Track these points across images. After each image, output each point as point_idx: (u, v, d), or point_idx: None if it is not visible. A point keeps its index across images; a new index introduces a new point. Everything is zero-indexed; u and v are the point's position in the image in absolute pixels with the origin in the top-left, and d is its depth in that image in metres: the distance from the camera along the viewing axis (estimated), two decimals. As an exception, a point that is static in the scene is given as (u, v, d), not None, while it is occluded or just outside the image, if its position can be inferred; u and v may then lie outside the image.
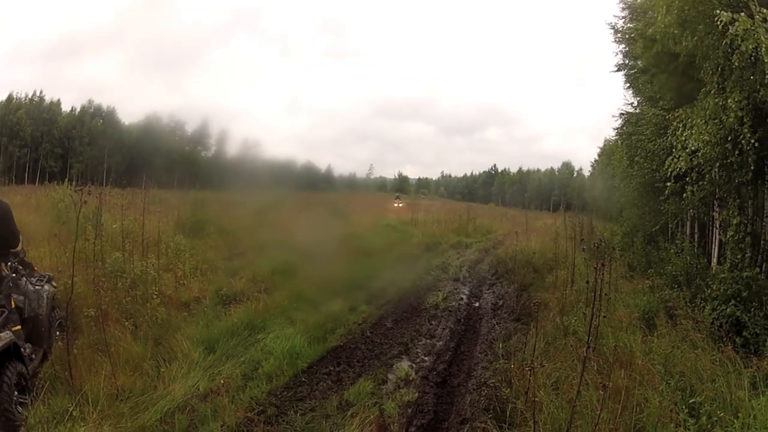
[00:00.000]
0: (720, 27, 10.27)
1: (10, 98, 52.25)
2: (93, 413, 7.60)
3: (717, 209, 14.61)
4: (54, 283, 9.84)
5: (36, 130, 52.01)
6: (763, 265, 12.19)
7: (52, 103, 53.70)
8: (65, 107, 54.66)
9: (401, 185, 77.69)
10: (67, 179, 23.29)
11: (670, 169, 12.87)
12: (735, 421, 7.22)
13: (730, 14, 10.07)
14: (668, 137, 14.17)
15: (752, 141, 10.92)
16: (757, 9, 10.36)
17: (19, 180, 49.20)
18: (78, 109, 54.60)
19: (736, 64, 10.46)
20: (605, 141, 45.83)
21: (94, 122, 52.96)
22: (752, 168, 11.44)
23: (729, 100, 11.05)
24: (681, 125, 12.80)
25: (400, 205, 42.04)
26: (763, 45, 9.83)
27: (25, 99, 52.59)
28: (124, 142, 50.09)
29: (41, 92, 53.25)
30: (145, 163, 39.19)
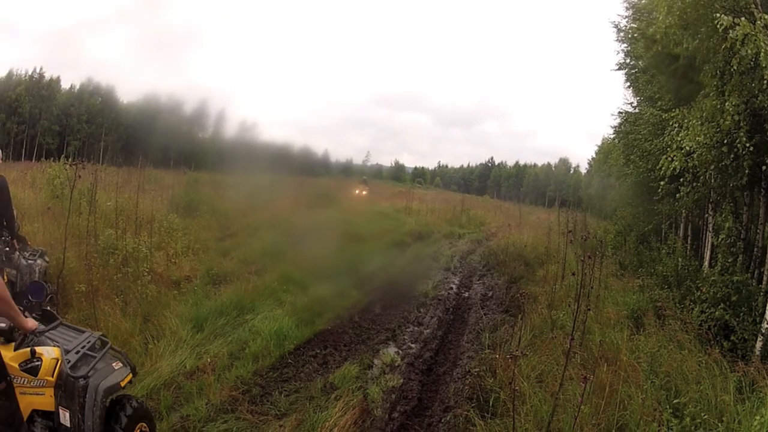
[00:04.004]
0: (720, 30, 10.23)
1: (10, 75, 52.20)
2: (80, 388, 7.62)
3: (711, 212, 14.63)
4: (46, 258, 9.82)
5: (34, 106, 51.90)
6: (755, 271, 12.22)
7: (51, 80, 53.58)
8: (65, 84, 54.60)
9: (397, 173, 77.21)
10: (63, 156, 23.16)
11: (664, 168, 12.86)
12: (719, 424, 7.23)
13: (730, 18, 10.01)
14: (665, 137, 14.14)
15: (748, 145, 10.88)
16: (759, 14, 10.33)
17: (16, 156, 49.04)
18: (77, 87, 54.56)
19: (736, 68, 10.40)
20: (603, 139, 45.80)
21: (93, 100, 52.88)
22: (747, 172, 11.42)
23: (726, 103, 11.01)
24: (677, 125, 12.79)
25: (364, 192, 34.97)
26: (763, 50, 9.79)
27: (25, 75, 52.52)
28: (121, 121, 50.06)
29: (41, 69, 53.17)
30: (142, 142, 39.05)
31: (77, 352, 5.48)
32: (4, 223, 9.17)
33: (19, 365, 4.98)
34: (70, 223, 9.35)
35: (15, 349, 5.03)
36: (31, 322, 5.06)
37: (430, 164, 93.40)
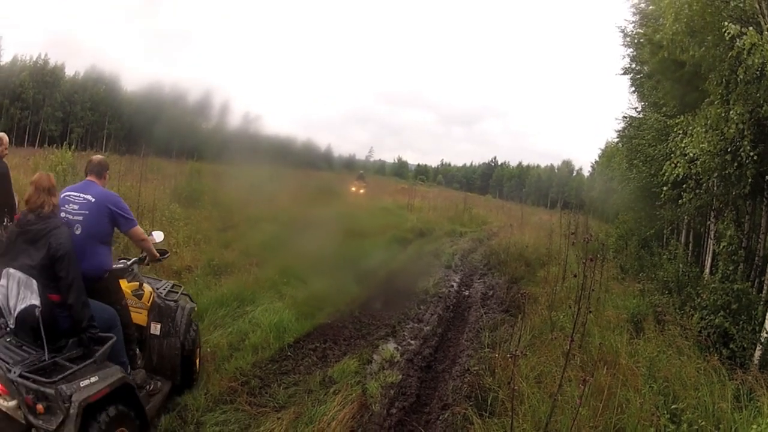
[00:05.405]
0: (727, 39, 10.22)
1: (14, 60, 52.27)
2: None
3: (713, 220, 14.65)
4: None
5: (38, 93, 51.99)
6: (755, 280, 12.23)
7: (56, 66, 53.70)
8: (69, 71, 54.68)
9: (400, 170, 77.35)
10: (66, 143, 23.15)
11: (667, 174, 12.88)
12: (716, 431, 7.26)
13: (738, 27, 9.99)
14: (668, 143, 14.16)
15: (752, 155, 10.88)
16: (767, 25, 10.34)
17: (19, 142, 49.21)
18: (81, 74, 54.61)
19: (742, 77, 10.36)
20: (607, 143, 46.03)
21: (97, 88, 52.93)
22: (750, 181, 11.43)
23: (731, 112, 11.01)
24: (681, 131, 12.80)
25: (362, 191, 34.36)
26: (770, 61, 9.80)
27: (30, 61, 52.58)
28: (124, 110, 50.10)
29: (46, 55, 53.26)
30: (145, 131, 39.00)
31: (164, 289, 8.36)
32: (5, 209, 9.22)
33: (132, 292, 7.46)
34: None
35: (128, 282, 7.44)
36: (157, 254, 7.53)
37: (432, 162, 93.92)
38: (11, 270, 5.65)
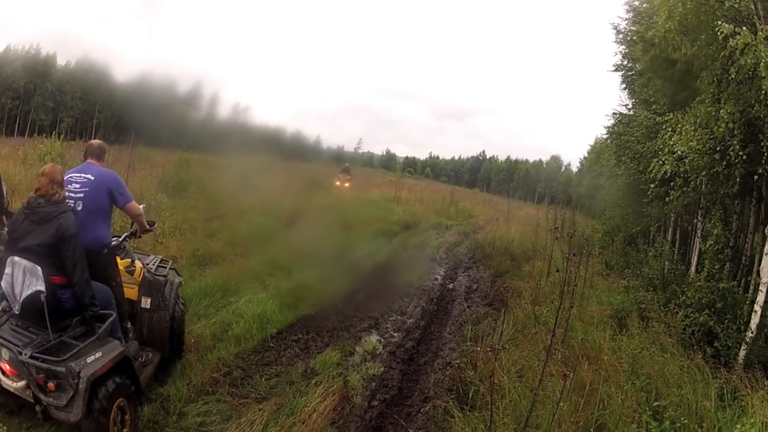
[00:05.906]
0: (720, 38, 10.18)
1: (7, 50, 52.10)
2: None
3: (700, 218, 14.64)
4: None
5: (29, 82, 51.85)
6: (742, 279, 12.21)
7: (47, 56, 53.57)
8: (60, 61, 54.54)
9: (388, 162, 77.41)
10: (55, 132, 23.13)
11: (654, 171, 12.83)
12: (699, 430, 7.22)
13: (731, 27, 9.96)
14: (657, 141, 14.13)
15: (741, 154, 10.85)
16: (761, 25, 10.30)
17: (9, 132, 49.11)
18: (73, 64, 54.46)
19: (734, 76, 10.34)
20: (596, 139, 46.06)
21: (88, 77, 52.67)
22: (739, 181, 11.40)
23: (722, 111, 10.98)
24: (670, 129, 12.77)
25: (347, 185, 34.18)
26: (763, 61, 9.74)
27: (22, 51, 52.43)
28: (114, 99, 49.83)
29: (38, 45, 53.13)
30: (134, 120, 38.80)
31: (153, 264, 8.64)
32: None
33: (124, 268, 7.73)
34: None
35: (121, 259, 7.69)
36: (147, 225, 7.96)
37: (423, 155, 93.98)
38: (16, 258, 6.00)
